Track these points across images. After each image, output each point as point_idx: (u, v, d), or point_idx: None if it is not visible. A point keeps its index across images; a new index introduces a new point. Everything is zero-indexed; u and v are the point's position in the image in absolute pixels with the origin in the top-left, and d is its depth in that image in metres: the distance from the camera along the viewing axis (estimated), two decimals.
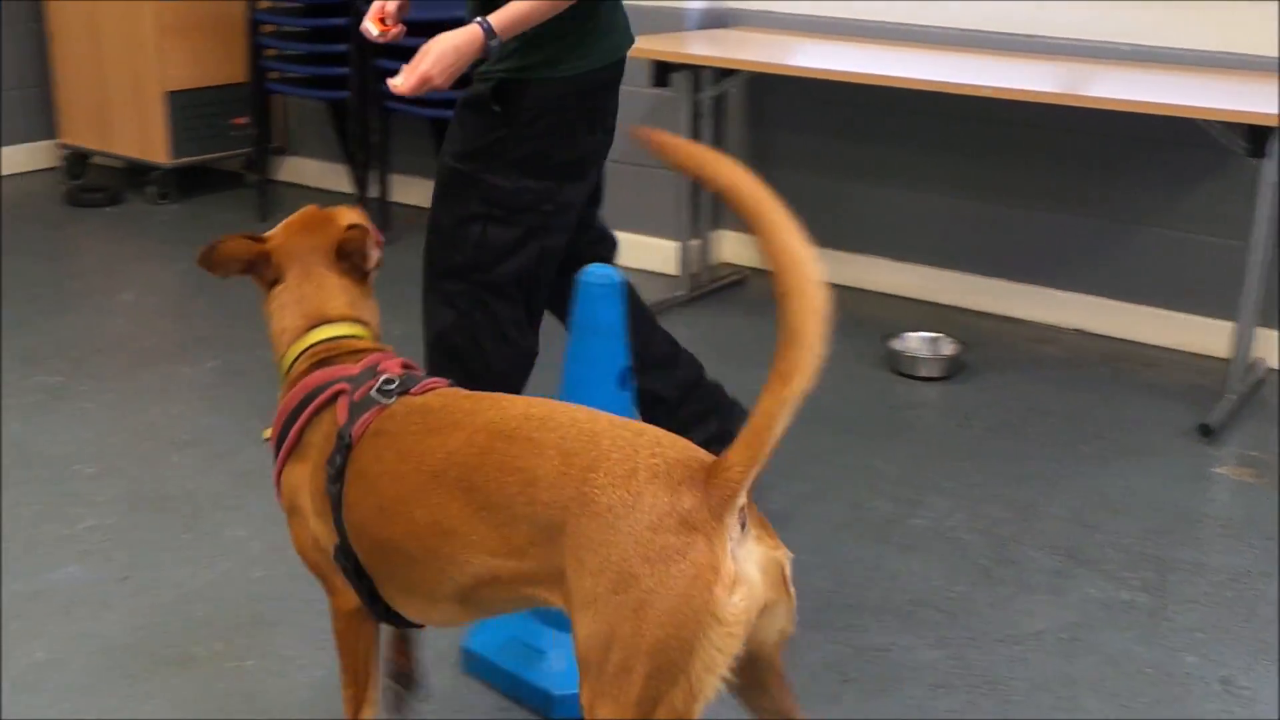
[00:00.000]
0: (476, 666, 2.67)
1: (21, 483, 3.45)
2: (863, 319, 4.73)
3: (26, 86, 6.46)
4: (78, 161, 6.35)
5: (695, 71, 4.73)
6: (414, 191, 5.87)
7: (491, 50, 2.77)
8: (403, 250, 5.36)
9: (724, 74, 4.80)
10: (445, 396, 2.12)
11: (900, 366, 4.30)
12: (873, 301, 4.95)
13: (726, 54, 4.66)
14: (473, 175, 2.92)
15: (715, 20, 5.07)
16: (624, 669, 1.77)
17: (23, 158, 6.49)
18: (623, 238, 5.19)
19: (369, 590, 2.14)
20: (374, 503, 2.05)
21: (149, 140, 6.03)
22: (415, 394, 2.12)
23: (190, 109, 6.00)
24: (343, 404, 2.13)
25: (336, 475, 2.10)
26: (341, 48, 5.35)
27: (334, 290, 2.31)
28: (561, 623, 2.61)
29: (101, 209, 5.99)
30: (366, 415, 2.09)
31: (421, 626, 2.27)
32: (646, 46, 4.69)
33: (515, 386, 3.01)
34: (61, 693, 2.63)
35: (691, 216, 5.00)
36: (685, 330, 4.74)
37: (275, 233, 2.36)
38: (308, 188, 6.26)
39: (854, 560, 3.17)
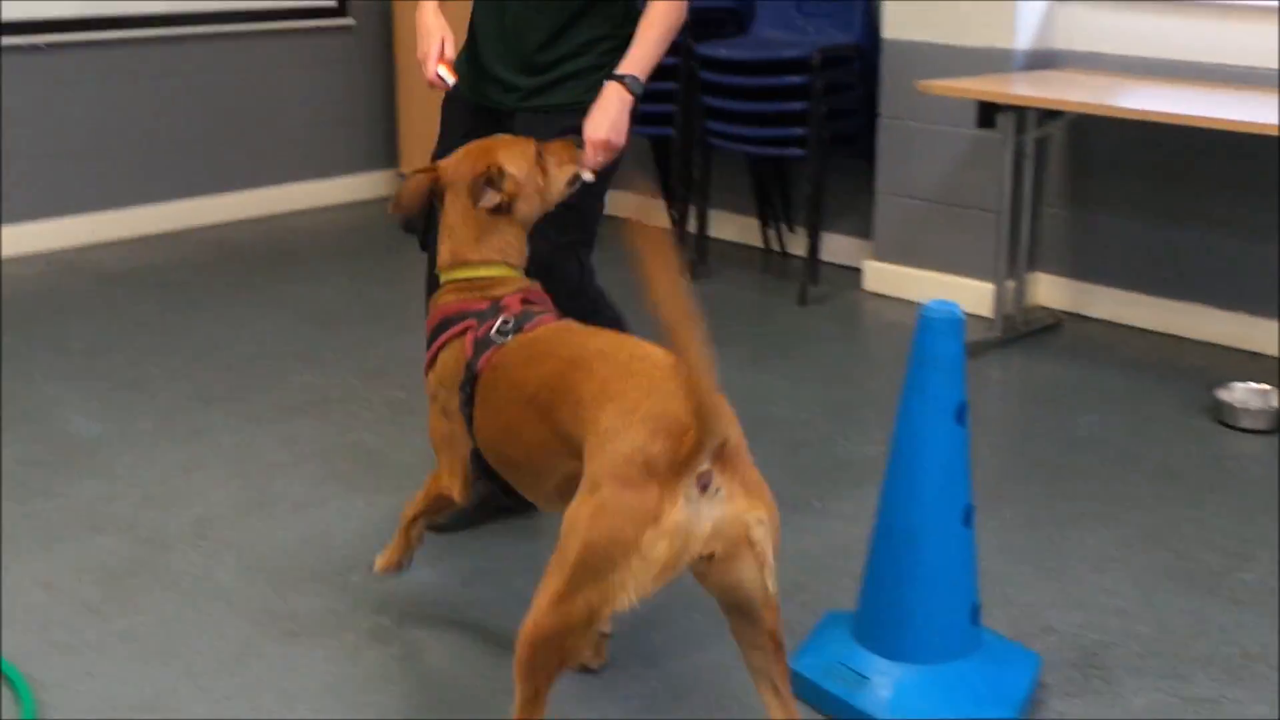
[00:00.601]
0: (801, 688, 2.73)
1: (375, 490, 3.71)
2: (1187, 367, 4.64)
3: (374, 119, 6.90)
4: None
5: (1020, 113, 4.72)
6: (730, 227, 6.06)
7: (639, 97, 3.03)
8: (719, 283, 5.54)
9: (1048, 115, 4.77)
10: (549, 330, 2.57)
11: (1226, 417, 4.18)
12: (1198, 350, 4.83)
13: (1052, 95, 4.64)
14: (575, 203, 2.97)
15: (1041, 62, 5.05)
16: (565, 551, 2.15)
17: (367, 186, 6.91)
18: (937, 278, 5.27)
19: (503, 486, 2.70)
20: (496, 424, 2.53)
21: None
22: (528, 330, 2.53)
23: None
24: (469, 339, 2.59)
25: (467, 400, 2.58)
26: (668, 85, 5.53)
27: (474, 230, 2.68)
28: (886, 649, 2.69)
29: None
30: (487, 353, 2.55)
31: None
32: (972, 86, 4.72)
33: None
34: (411, 690, 2.84)
35: (1009, 258, 4.97)
36: (998, 373, 4.75)
37: (448, 159, 2.75)
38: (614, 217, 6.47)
39: (1179, 610, 3.13)
